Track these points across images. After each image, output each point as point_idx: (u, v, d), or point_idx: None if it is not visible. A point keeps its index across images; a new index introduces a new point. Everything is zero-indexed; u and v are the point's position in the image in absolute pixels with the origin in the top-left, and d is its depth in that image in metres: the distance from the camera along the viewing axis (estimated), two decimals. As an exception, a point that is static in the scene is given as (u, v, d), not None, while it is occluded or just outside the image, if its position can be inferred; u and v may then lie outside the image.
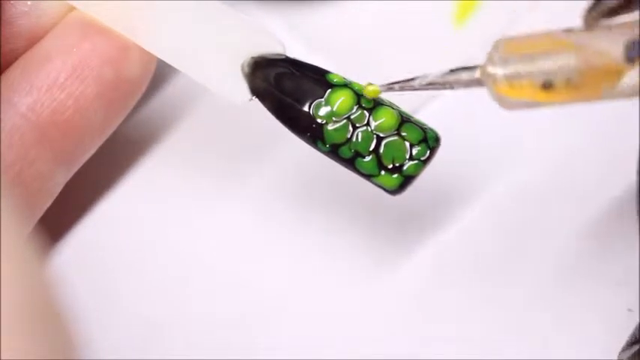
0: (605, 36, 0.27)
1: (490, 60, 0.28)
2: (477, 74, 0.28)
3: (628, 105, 0.36)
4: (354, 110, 0.31)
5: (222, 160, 0.37)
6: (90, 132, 0.32)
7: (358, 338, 0.36)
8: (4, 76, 0.31)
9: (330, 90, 0.31)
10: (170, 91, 0.38)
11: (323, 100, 0.31)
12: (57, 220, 0.36)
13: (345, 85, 0.31)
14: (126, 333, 0.36)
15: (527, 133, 0.37)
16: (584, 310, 0.35)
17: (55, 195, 0.32)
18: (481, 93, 0.38)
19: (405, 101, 0.35)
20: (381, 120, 0.31)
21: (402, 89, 0.30)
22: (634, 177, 0.35)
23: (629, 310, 0.35)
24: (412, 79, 0.30)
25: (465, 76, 0.29)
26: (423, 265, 0.36)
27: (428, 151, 0.31)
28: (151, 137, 0.37)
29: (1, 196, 0.23)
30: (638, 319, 0.35)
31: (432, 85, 0.29)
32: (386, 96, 0.31)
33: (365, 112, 0.31)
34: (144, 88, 0.32)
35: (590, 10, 0.28)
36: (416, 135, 0.31)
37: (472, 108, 0.37)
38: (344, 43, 0.38)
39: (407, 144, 0.31)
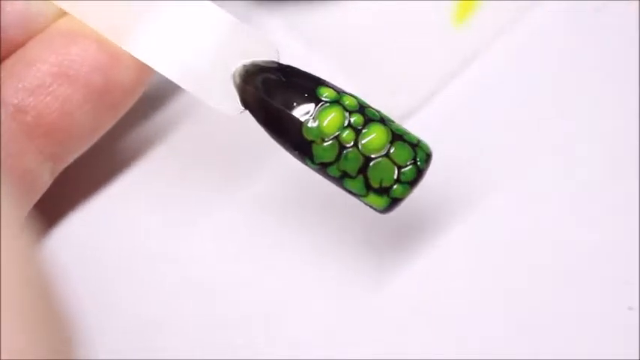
0: None
1: None
2: None
3: (630, 106, 0.36)
4: (343, 128, 0.30)
5: (222, 161, 0.37)
6: (77, 134, 0.32)
7: (358, 339, 0.36)
8: None
9: (319, 107, 0.30)
10: (171, 93, 0.38)
11: (311, 117, 0.30)
12: (58, 222, 0.36)
13: (336, 101, 0.30)
14: (125, 333, 0.36)
15: (529, 134, 0.37)
16: (584, 310, 0.35)
17: (42, 192, 0.32)
18: (483, 93, 0.38)
19: (405, 100, 0.35)
20: (371, 136, 0.30)
21: None
22: (636, 177, 0.35)
23: (629, 309, 0.35)
24: None
25: None
26: (423, 267, 0.36)
27: (416, 173, 0.30)
28: (152, 139, 0.37)
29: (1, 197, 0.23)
30: (638, 319, 0.35)
31: None
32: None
33: (354, 131, 0.30)
34: (137, 95, 0.32)
35: None
36: (405, 156, 0.30)
37: (473, 108, 0.37)
38: (343, 42, 0.38)
39: (395, 167, 0.30)
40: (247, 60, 0.31)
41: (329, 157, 0.30)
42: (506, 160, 0.37)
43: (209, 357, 0.36)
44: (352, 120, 0.30)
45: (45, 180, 0.32)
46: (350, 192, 0.31)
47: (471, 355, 0.35)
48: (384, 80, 0.37)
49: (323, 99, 0.30)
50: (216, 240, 0.37)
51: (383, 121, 0.30)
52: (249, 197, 0.37)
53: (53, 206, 0.33)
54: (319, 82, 0.31)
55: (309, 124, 0.30)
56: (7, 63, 0.31)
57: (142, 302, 0.36)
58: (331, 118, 0.30)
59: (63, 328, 0.23)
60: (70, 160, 0.33)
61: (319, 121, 0.30)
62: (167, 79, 0.31)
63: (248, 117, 0.31)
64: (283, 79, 0.31)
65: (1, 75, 0.31)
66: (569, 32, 0.38)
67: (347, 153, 0.30)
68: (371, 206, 0.31)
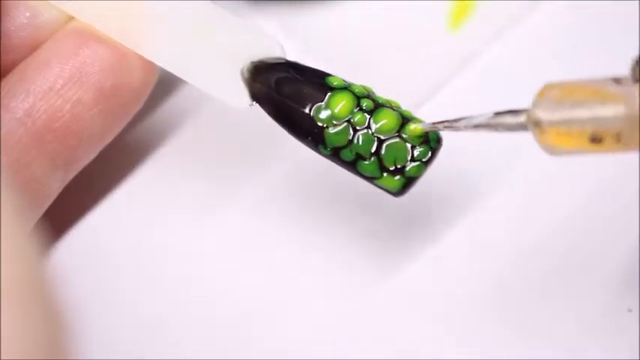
0: None
1: (536, 105, 0.28)
2: (522, 118, 0.28)
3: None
4: (354, 113, 0.31)
5: (224, 162, 0.37)
6: (88, 138, 0.32)
7: (358, 338, 0.36)
8: (1, 82, 0.32)
9: (330, 93, 0.31)
10: (173, 93, 0.38)
11: (323, 103, 0.31)
12: (59, 221, 0.36)
13: (345, 87, 0.31)
14: (127, 333, 0.36)
15: (528, 134, 0.37)
16: (584, 312, 0.35)
17: (52, 199, 0.32)
18: (483, 93, 0.38)
19: (405, 99, 0.35)
20: (382, 122, 0.31)
21: (446, 129, 0.30)
22: (636, 178, 0.35)
23: (629, 310, 0.35)
24: (457, 120, 0.30)
25: (510, 119, 0.28)
26: (424, 267, 0.36)
27: (429, 152, 0.31)
28: (155, 138, 0.37)
29: (2, 196, 0.23)
30: (638, 319, 0.35)
31: (477, 127, 0.29)
32: (388, 95, 0.31)
33: (365, 114, 0.31)
34: (145, 96, 0.33)
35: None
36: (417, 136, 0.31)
37: (474, 105, 0.37)
38: (339, 44, 0.38)
39: (408, 145, 0.31)
40: (256, 57, 0.31)
41: (341, 141, 0.31)
42: (505, 161, 0.37)
43: (210, 357, 0.36)
44: (363, 105, 0.31)
45: (55, 188, 0.32)
46: (363, 176, 0.31)
47: (471, 354, 0.35)
48: (380, 82, 0.37)
49: (333, 86, 0.31)
50: (220, 238, 0.37)
51: (391, 106, 0.31)
52: (251, 199, 0.37)
53: (56, 206, 0.33)
54: (326, 74, 0.31)
55: (322, 111, 0.30)
56: (19, 68, 0.32)
57: (143, 302, 0.36)
58: (343, 104, 0.31)
59: (64, 330, 0.23)
60: (80, 167, 0.33)
61: (331, 106, 0.31)
62: (170, 78, 0.31)
63: (253, 114, 0.31)
64: (292, 73, 0.31)
65: (12, 79, 0.31)
66: (568, 33, 0.38)
67: (360, 135, 0.30)
68: (385, 189, 0.31)
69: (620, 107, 0.26)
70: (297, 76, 0.31)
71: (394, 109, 0.31)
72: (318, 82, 0.31)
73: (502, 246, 0.36)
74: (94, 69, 0.31)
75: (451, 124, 0.30)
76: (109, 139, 0.33)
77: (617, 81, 0.27)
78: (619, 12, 0.37)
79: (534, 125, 0.27)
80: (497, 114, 0.29)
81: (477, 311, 0.36)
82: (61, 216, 0.35)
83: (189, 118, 0.37)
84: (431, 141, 0.31)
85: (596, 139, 0.27)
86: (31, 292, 0.22)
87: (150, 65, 0.32)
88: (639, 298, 0.35)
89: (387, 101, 0.31)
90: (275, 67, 0.31)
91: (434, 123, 0.30)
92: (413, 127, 0.30)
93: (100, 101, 0.31)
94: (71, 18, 0.32)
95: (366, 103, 0.31)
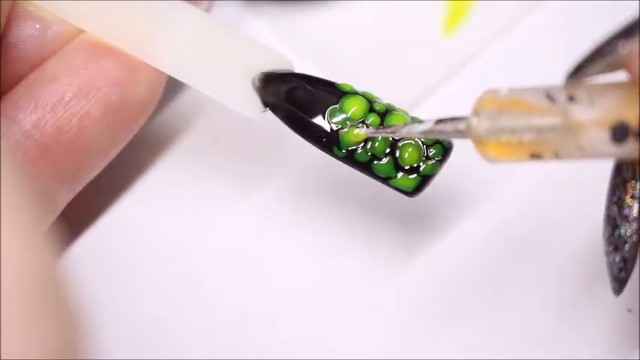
0: (587, 107, 0.26)
1: (475, 114, 0.27)
2: (461, 126, 0.28)
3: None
4: (368, 115, 0.31)
5: (229, 165, 0.37)
6: (94, 151, 0.32)
7: (360, 338, 0.36)
8: (10, 93, 0.32)
9: (343, 97, 0.31)
10: (182, 97, 0.38)
11: (337, 106, 0.31)
12: (67, 223, 0.36)
13: (356, 93, 0.31)
14: (132, 333, 0.36)
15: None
16: (584, 310, 0.35)
17: (58, 212, 0.33)
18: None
19: (400, 101, 0.35)
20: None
21: (388, 134, 0.30)
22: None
23: (629, 310, 0.35)
24: (401, 127, 0.30)
25: (450, 127, 0.28)
26: (426, 268, 0.36)
27: (443, 151, 0.31)
28: (163, 142, 0.37)
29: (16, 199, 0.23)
30: (638, 319, 0.35)
31: (420, 134, 0.29)
32: (394, 98, 0.31)
33: (378, 117, 0.31)
34: (151, 109, 0.33)
35: (573, 74, 0.27)
36: (430, 138, 0.31)
37: (469, 108, 0.37)
38: (334, 46, 0.38)
39: (423, 146, 0.31)
40: (266, 69, 0.32)
41: (357, 141, 0.31)
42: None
43: (214, 357, 0.36)
44: (376, 108, 0.31)
45: (61, 200, 0.32)
46: (377, 177, 0.31)
47: (472, 354, 0.35)
48: (374, 85, 0.37)
49: (346, 91, 0.31)
50: (222, 243, 0.37)
51: (402, 111, 0.31)
52: (256, 202, 0.37)
53: (65, 208, 0.33)
54: (335, 82, 0.32)
55: (336, 113, 0.31)
56: (27, 80, 0.32)
57: (149, 303, 0.36)
58: (357, 107, 0.31)
59: (79, 331, 0.23)
60: (87, 179, 0.33)
61: (345, 109, 0.31)
62: (174, 81, 0.31)
63: (261, 118, 0.32)
64: (302, 83, 0.31)
65: (21, 92, 0.32)
66: (567, 34, 0.38)
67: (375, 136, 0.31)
68: (399, 189, 0.31)
69: (557, 121, 0.26)
70: (308, 86, 0.31)
71: (405, 114, 0.31)
72: (329, 89, 0.31)
73: (501, 247, 0.36)
74: (102, 83, 0.31)
75: (394, 130, 0.30)
76: (115, 153, 0.33)
77: (550, 96, 0.27)
78: (619, 12, 0.37)
79: (472, 134, 0.27)
80: (439, 121, 0.29)
81: (477, 312, 0.36)
82: (68, 217, 0.36)
83: (197, 121, 0.37)
84: (443, 142, 0.31)
85: (534, 157, 0.27)
86: (46, 294, 0.23)
87: (156, 79, 0.32)
88: (639, 298, 0.35)
89: (397, 108, 0.32)
90: (286, 77, 0.32)
91: (376, 129, 0.30)
92: (356, 132, 0.31)
93: (107, 115, 0.32)
94: (80, 31, 0.32)
95: (378, 107, 0.31)
